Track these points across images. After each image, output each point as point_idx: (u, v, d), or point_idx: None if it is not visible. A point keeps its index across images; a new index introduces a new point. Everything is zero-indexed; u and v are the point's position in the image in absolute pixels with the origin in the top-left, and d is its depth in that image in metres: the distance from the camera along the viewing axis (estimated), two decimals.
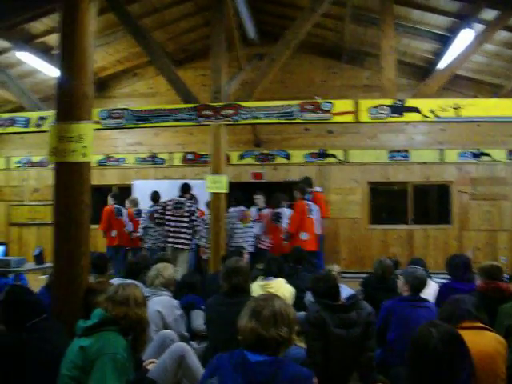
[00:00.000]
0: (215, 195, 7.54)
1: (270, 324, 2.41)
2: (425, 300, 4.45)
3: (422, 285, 4.50)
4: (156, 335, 4.26)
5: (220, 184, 7.44)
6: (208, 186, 7.49)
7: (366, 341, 4.03)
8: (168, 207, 8.89)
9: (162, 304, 4.57)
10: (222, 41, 7.68)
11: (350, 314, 4.00)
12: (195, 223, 8.79)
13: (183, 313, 4.80)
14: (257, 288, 5.26)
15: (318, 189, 10.42)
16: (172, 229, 8.78)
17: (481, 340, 3.16)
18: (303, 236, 8.73)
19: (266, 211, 9.61)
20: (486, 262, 5.20)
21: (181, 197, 8.96)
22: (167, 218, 8.86)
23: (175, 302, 4.73)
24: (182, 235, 8.76)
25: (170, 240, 8.77)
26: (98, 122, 7.66)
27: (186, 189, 9.01)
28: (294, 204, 9.07)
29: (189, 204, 8.87)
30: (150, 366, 3.80)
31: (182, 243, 8.73)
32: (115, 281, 4.91)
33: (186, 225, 8.76)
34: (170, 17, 10.45)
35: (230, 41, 9.11)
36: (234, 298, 4.04)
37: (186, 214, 8.78)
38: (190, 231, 8.80)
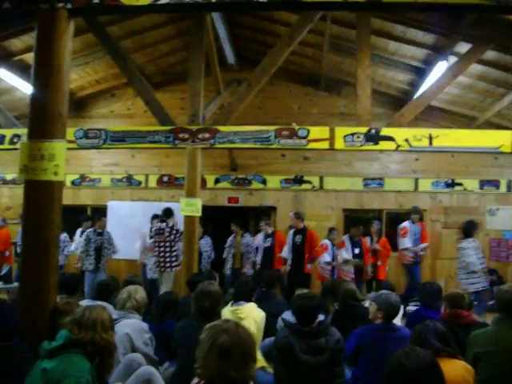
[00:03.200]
0: (189, 218, 7.50)
1: (241, 364, 2.21)
2: (398, 329, 4.41)
3: (396, 312, 4.48)
4: (123, 358, 4.19)
5: (194, 207, 7.41)
6: (182, 208, 7.45)
7: (334, 367, 4.00)
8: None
9: (131, 327, 4.50)
10: (201, 65, 7.70)
11: (318, 341, 3.98)
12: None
13: (152, 336, 4.73)
14: (227, 313, 5.22)
15: (290, 214, 10.45)
16: (161, 254, 9.48)
17: (450, 368, 3.17)
18: None
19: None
20: (451, 290, 5.27)
21: (162, 221, 9.56)
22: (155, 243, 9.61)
23: (144, 325, 4.66)
24: (167, 259, 9.39)
25: (158, 264, 9.48)
26: (72, 142, 7.62)
27: (167, 213, 9.55)
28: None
29: (168, 230, 9.42)
30: None
31: (169, 266, 9.41)
32: (84, 302, 4.85)
33: (168, 249, 9.39)
34: (150, 40, 10.50)
35: (209, 65, 9.16)
36: (203, 322, 3.99)
37: (168, 239, 9.39)
38: (174, 253, 9.39)
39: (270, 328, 5.52)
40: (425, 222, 10.24)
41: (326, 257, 9.72)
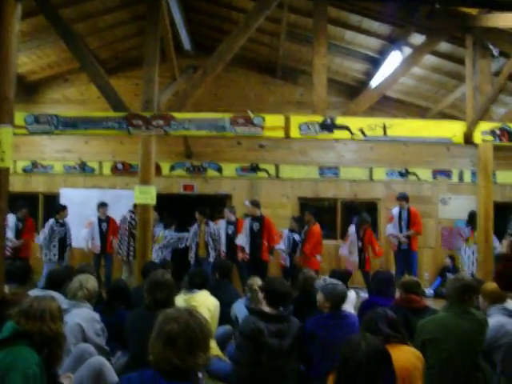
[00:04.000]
0: (143, 206, 7.41)
1: (186, 353, 2.23)
2: (346, 316, 4.50)
3: (342, 301, 4.55)
4: (74, 349, 4.12)
5: (148, 195, 7.31)
6: (136, 196, 7.35)
7: (293, 352, 4.06)
8: None
9: (82, 317, 4.43)
10: (156, 50, 7.59)
11: (283, 325, 4.03)
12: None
13: (104, 326, 4.66)
14: (180, 302, 5.21)
15: (246, 202, 10.43)
16: (121, 242, 9.83)
17: (399, 355, 3.23)
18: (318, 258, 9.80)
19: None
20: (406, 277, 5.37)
21: (131, 212, 9.79)
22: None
23: (96, 315, 4.59)
24: (125, 247, 9.80)
25: (118, 252, 9.95)
26: (23, 127, 7.42)
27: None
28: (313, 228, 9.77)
29: (129, 219, 9.76)
30: (65, 381, 3.66)
31: (126, 255, 9.78)
32: (34, 292, 4.75)
33: (126, 238, 9.76)
34: (104, 24, 10.25)
35: (165, 51, 9.03)
36: (156, 312, 3.95)
37: (126, 228, 9.72)
38: (133, 244, 9.55)
39: (223, 317, 5.54)
40: (412, 207, 10.05)
41: (281, 244, 9.93)
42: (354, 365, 2.41)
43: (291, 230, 10.11)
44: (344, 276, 6.13)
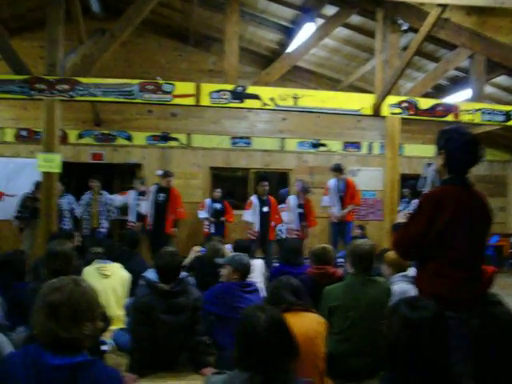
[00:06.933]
0: (47, 175, 7.09)
1: (70, 323, 2.12)
2: (252, 284, 4.58)
3: (249, 271, 4.62)
4: None
5: (53, 163, 7.01)
6: (39, 164, 7.02)
7: (193, 325, 4.01)
8: None
9: None
10: (60, 10, 7.20)
11: (178, 299, 3.97)
12: None
13: (3, 300, 4.43)
14: (92, 271, 5.19)
15: (159, 172, 10.23)
16: None
17: (302, 322, 3.29)
18: None
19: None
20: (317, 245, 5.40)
21: None
22: None
23: None
24: None
25: None
26: None
27: None
28: None
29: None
30: None
31: None
32: None
33: None
34: None
35: (71, 12, 8.60)
36: None
37: None
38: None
39: (134, 288, 5.48)
40: (349, 179, 9.99)
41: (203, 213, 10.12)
42: (252, 336, 2.39)
43: (214, 200, 10.29)
44: (246, 246, 6.16)
